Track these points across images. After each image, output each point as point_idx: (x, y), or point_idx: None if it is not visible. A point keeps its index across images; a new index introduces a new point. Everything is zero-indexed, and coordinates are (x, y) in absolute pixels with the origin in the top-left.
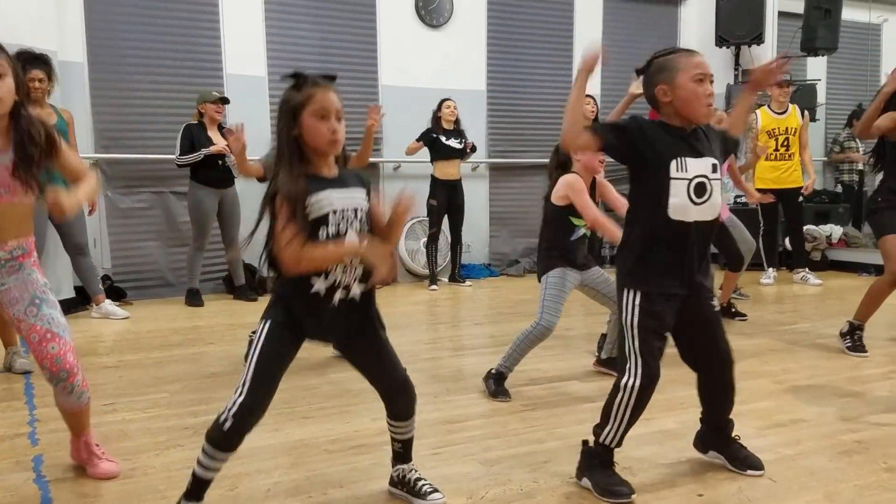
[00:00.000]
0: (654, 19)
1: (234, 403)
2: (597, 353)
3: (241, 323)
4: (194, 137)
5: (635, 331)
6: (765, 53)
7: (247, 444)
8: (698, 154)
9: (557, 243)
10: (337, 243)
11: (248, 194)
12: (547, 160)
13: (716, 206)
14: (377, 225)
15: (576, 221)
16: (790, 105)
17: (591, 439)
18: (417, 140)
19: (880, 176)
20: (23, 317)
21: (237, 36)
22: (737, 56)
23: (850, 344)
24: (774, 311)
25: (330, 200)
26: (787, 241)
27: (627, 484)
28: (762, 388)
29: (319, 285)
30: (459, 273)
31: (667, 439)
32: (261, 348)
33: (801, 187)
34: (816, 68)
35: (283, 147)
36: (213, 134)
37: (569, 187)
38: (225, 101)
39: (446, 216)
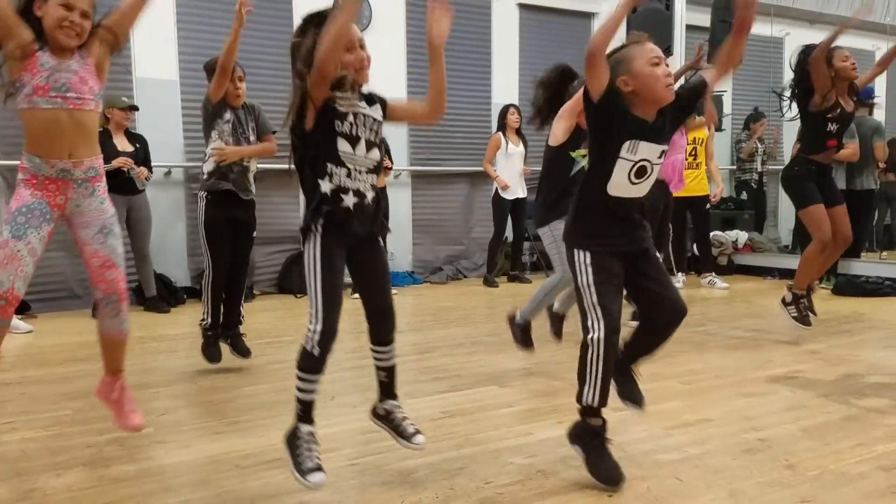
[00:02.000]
0: (568, 31)
1: (316, 333)
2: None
3: (151, 335)
4: None
5: (591, 286)
6: (673, 64)
7: (154, 461)
8: (651, 140)
9: (558, 186)
10: None
11: (160, 201)
12: (469, 168)
13: (648, 186)
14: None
15: (574, 154)
16: (696, 116)
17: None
18: None
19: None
20: (90, 241)
21: (147, 38)
22: None
23: (795, 314)
24: None
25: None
26: (695, 246)
27: (619, 469)
28: (670, 389)
29: (325, 187)
30: None
31: None
32: (320, 275)
33: (707, 195)
34: (723, 80)
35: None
36: (119, 140)
37: (565, 111)
38: (134, 108)
39: None
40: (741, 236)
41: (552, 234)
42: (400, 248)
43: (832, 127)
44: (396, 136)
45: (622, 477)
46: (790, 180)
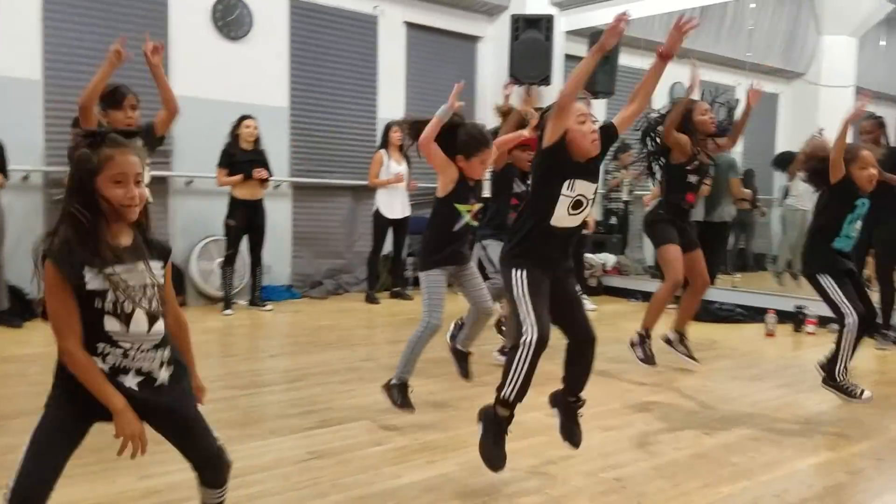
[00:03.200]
0: (453, 52)
1: (10, 491)
2: (450, 342)
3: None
4: None
5: (526, 297)
6: (552, 93)
7: None
8: (585, 178)
9: (440, 237)
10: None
11: (16, 207)
12: (352, 181)
13: (583, 217)
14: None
15: (460, 208)
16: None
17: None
18: (220, 166)
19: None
20: None
21: (6, 34)
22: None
23: (642, 356)
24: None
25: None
26: None
27: (504, 459)
28: (538, 422)
29: (102, 366)
30: (260, 297)
31: (446, 484)
32: (34, 434)
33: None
34: (598, 110)
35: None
36: None
37: (443, 163)
38: None
39: (245, 237)
40: (610, 259)
41: (427, 281)
42: (278, 260)
43: (692, 178)
44: (278, 145)
45: (501, 465)
46: (652, 224)
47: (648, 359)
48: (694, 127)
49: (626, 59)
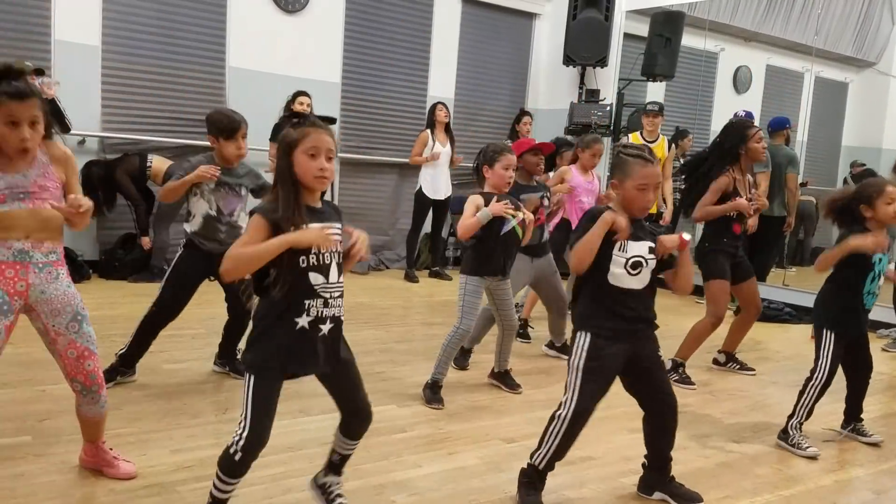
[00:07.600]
0: (509, 29)
1: (241, 437)
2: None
3: None
4: None
5: (580, 371)
6: (608, 76)
7: (25, 478)
8: (637, 238)
9: (486, 243)
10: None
11: None
12: (399, 159)
13: (646, 277)
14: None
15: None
16: (661, 135)
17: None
18: (272, 140)
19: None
20: (63, 331)
21: (68, 0)
22: (582, 76)
23: (676, 378)
24: None
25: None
26: None
27: None
28: None
29: (303, 321)
30: None
31: (464, 477)
32: (254, 386)
33: (654, 214)
34: (656, 93)
35: (280, 177)
36: None
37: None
38: (39, 72)
39: None
40: None
41: (466, 286)
42: None
43: (733, 212)
44: None
45: None
46: (704, 256)
47: (684, 380)
48: (746, 152)
49: (689, 41)
